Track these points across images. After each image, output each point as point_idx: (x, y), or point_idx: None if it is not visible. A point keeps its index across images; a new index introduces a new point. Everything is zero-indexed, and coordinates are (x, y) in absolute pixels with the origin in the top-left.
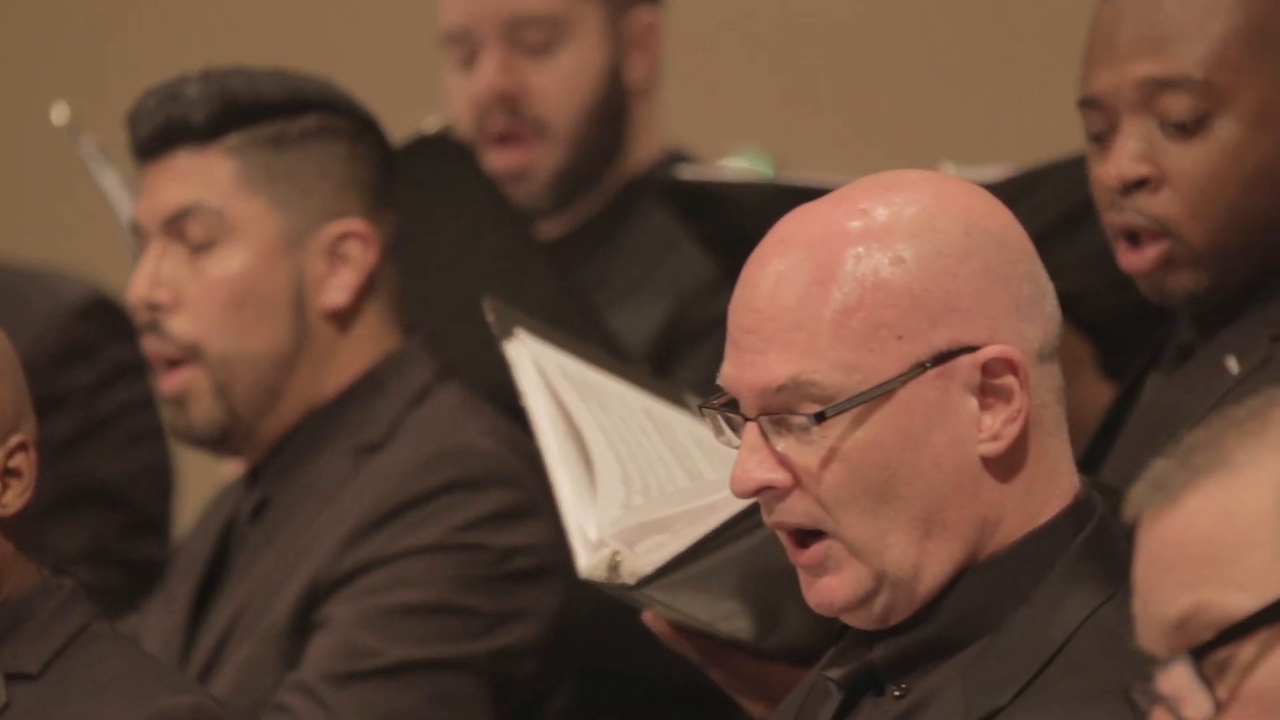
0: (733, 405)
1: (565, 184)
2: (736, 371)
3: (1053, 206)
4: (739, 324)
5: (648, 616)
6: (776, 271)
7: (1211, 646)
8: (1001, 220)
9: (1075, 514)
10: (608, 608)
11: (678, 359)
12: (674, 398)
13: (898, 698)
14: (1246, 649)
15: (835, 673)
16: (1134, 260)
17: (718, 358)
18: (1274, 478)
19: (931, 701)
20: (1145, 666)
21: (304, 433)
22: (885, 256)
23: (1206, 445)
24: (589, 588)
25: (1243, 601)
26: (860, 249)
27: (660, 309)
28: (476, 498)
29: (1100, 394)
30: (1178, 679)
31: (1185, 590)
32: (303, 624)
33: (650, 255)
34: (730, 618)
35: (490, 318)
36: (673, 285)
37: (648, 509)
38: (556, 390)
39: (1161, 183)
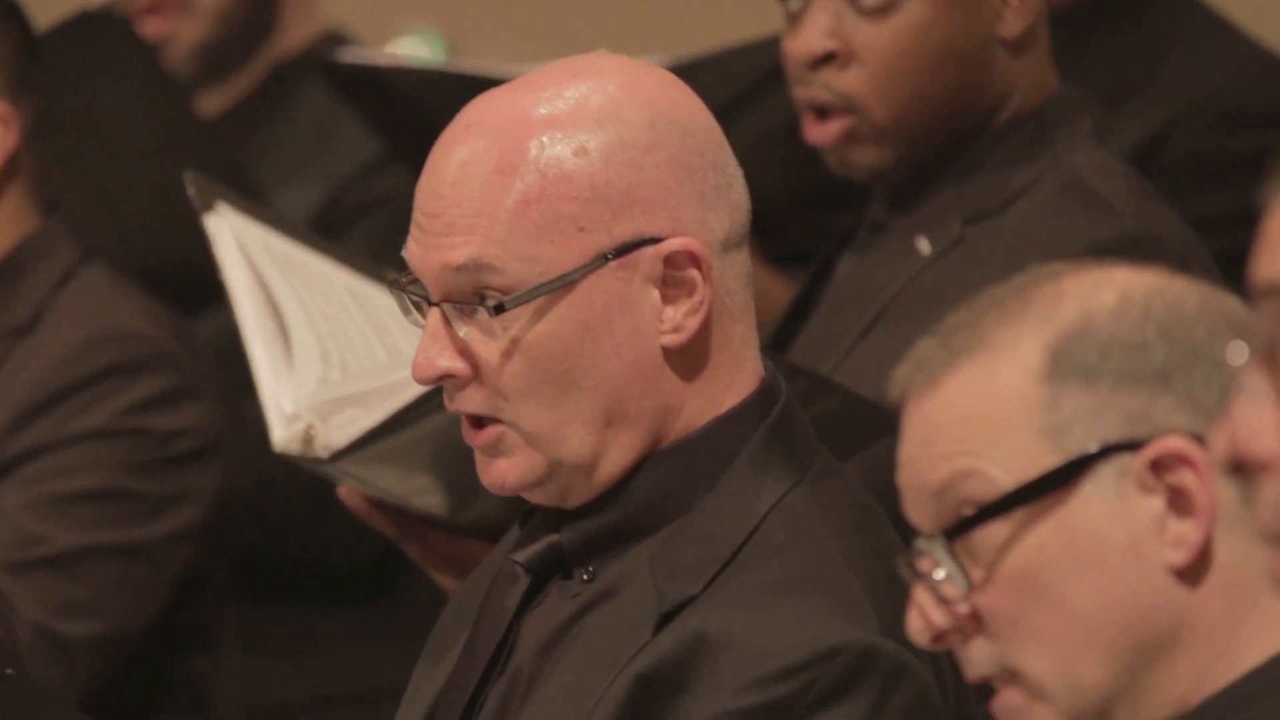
0: (421, 285)
1: (208, 58)
2: (421, 253)
3: (711, 95)
4: (423, 208)
5: (342, 492)
6: (461, 159)
7: (967, 525)
8: (689, 109)
9: (761, 400)
10: (270, 487)
11: (334, 239)
12: (379, 276)
13: (585, 581)
14: (1002, 528)
15: (522, 556)
16: (818, 134)
17: (376, 238)
18: (1031, 358)
19: (622, 588)
20: (850, 551)
21: None
22: (569, 147)
23: (968, 325)
24: (249, 466)
25: (999, 480)
26: (544, 138)
27: (316, 190)
28: (136, 381)
29: (765, 282)
30: (935, 557)
31: (943, 461)
32: None
33: (306, 137)
34: (424, 493)
35: (191, 191)
36: (328, 167)
37: (345, 383)
38: (256, 265)
39: (849, 58)
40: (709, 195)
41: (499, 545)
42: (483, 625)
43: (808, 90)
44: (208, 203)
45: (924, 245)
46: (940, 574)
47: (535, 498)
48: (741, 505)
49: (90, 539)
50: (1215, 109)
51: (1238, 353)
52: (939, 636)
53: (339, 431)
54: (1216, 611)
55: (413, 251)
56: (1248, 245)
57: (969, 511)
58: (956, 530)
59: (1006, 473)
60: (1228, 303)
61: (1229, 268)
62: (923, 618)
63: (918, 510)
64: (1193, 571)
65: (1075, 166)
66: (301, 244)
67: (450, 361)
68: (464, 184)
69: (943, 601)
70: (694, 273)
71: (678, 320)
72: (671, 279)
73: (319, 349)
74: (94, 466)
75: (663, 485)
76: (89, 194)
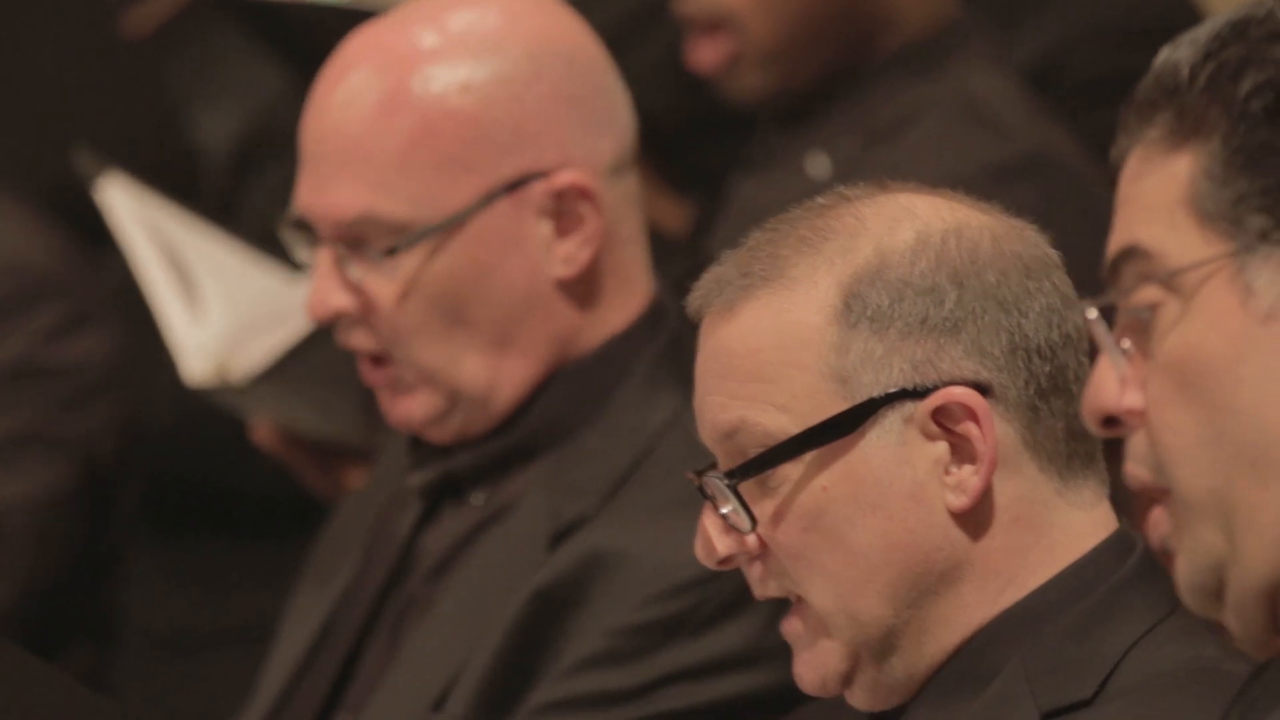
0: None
1: None
2: (310, 199)
3: (606, 30)
4: (309, 149)
5: (258, 434)
6: (344, 98)
7: (753, 467)
8: (570, 35)
9: (651, 320)
10: (191, 418)
11: (261, 162)
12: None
13: (479, 504)
14: (790, 468)
15: (415, 480)
16: (701, 58)
17: (288, 180)
18: (825, 297)
19: (516, 508)
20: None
21: None
22: (452, 84)
23: (768, 252)
24: (167, 396)
25: (783, 423)
26: (426, 75)
27: (238, 117)
28: (34, 314)
29: (667, 208)
30: (723, 492)
31: (734, 403)
32: None
33: (240, 55)
34: (339, 417)
35: (81, 166)
36: (260, 85)
37: (253, 309)
38: (154, 216)
39: None
40: (595, 122)
41: (383, 464)
42: (376, 548)
43: (688, 6)
44: (96, 174)
45: (820, 164)
46: (727, 508)
47: (436, 435)
48: (635, 423)
49: (19, 489)
50: (1111, 30)
51: (1089, 312)
52: (725, 560)
53: (252, 356)
54: (1001, 547)
55: (302, 197)
56: None
57: (756, 452)
58: (743, 471)
59: (794, 416)
60: (1024, 241)
61: None
62: (708, 544)
63: (710, 439)
64: (974, 513)
65: (972, 90)
66: (196, 222)
67: (343, 301)
68: (348, 125)
69: (730, 530)
70: (585, 205)
71: (570, 253)
72: (563, 212)
73: (226, 289)
74: (7, 410)
75: (555, 407)
76: (12, 119)
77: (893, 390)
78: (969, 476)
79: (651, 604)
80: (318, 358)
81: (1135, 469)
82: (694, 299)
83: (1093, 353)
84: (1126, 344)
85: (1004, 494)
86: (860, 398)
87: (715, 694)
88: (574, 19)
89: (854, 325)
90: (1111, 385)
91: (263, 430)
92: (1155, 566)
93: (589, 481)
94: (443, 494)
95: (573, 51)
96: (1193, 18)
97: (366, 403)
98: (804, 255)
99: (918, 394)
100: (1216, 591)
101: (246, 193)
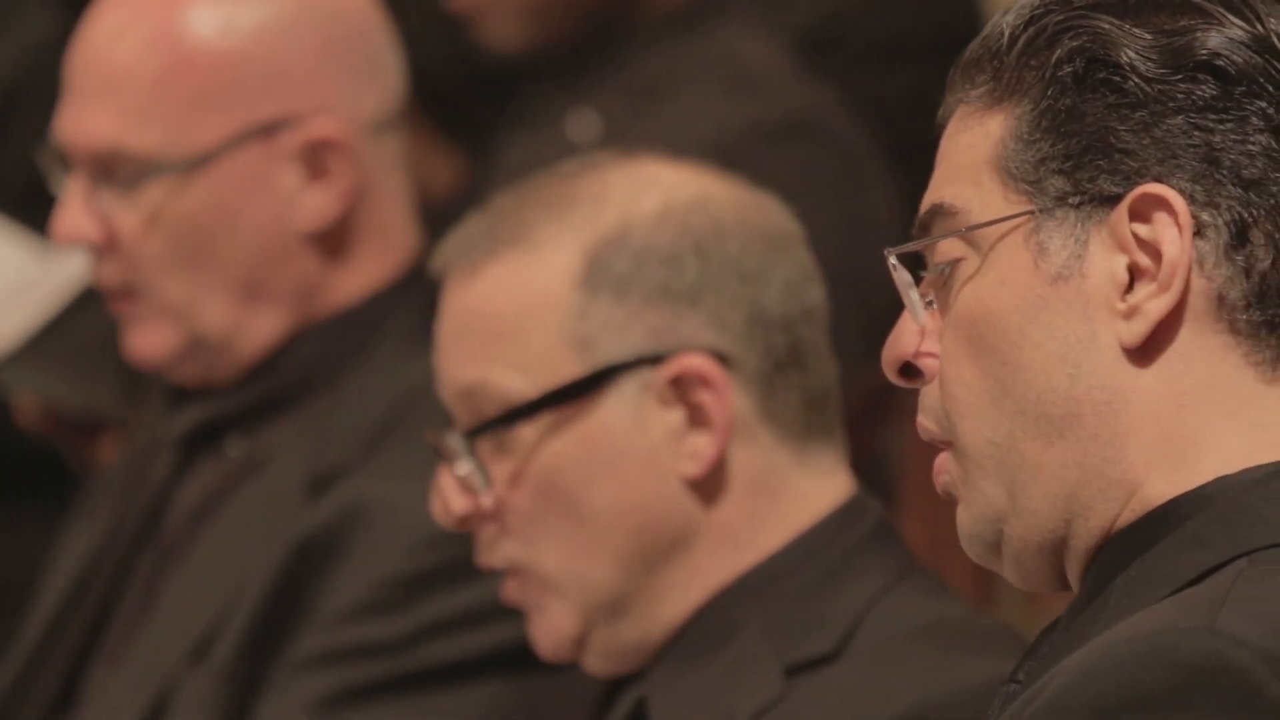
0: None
1: None
2: (65, 126)
3: None
4: (71, 72)
5: (19, 413)
6: (107, 31)
7: (489, 427)
8: None
9: (414, 278)
10: None
11: (24, 110)
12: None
13: (235, 453)
14: (527, 431)
15: (171, 430)
16: (460, 3)
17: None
18: (569, 262)
19: (273, 458)
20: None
21: None
22: (213, 25)
23: (514, 215)
24: None
25: (522, 385)
26: (191, 15)
27: (7, 55)
28: None
29: (444, 162)
30: (460, 450)
31: (473, 363)
32: None
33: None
34: (98, 392)
35: None
36: (26, 28)
37: (9, 290)
38: None
39: None
40: (358, 77)
41: (142, 421)
42: (132, 499)
43: None
44: None
45: (588, 123)
46: (464, 468)
47: (179, 375)
48: (394, 377)
49: None
50: None
51: (890, 259)
52: (462, 520)
53: (8, 332)
54: (735, 514)
55: (60, 122)
56: (925, 129)
57: (493, 412)
58: (480, 431)
59: (529, 378)
60: (768, 214)
61: (909, 151)
62: (444, 502)
63: (449, 398)
64: (709, 481)
65: (739, 53)
66: None
67: (89, 229)
68: (111, 53)
69: (466, 490)
70: (338, 158)
71: (318, 204)
72: (314, 162)
73: None
74: None
75: (312, 358)
76: None
77: (631, 356)
78: (704, 445)
79: (414, 554)
80: (75, 331)
81: (924, 420)
82: (438, 259)
83: (836, 328)
84: (930, 297)
85: (739, 463)
86: (599, 363)
87: (481, 643)
88: None
89: (596, 291)
90: (910, 334)
91: (24, 407)
92: (890, 530)
93: (347, 432)
94: (198, 445)
95: (342, 6)
96: None
97: (126, 376)
98: (549, 220)
99: (655, 360)
100: (996, 543)
101: (6, 140)
